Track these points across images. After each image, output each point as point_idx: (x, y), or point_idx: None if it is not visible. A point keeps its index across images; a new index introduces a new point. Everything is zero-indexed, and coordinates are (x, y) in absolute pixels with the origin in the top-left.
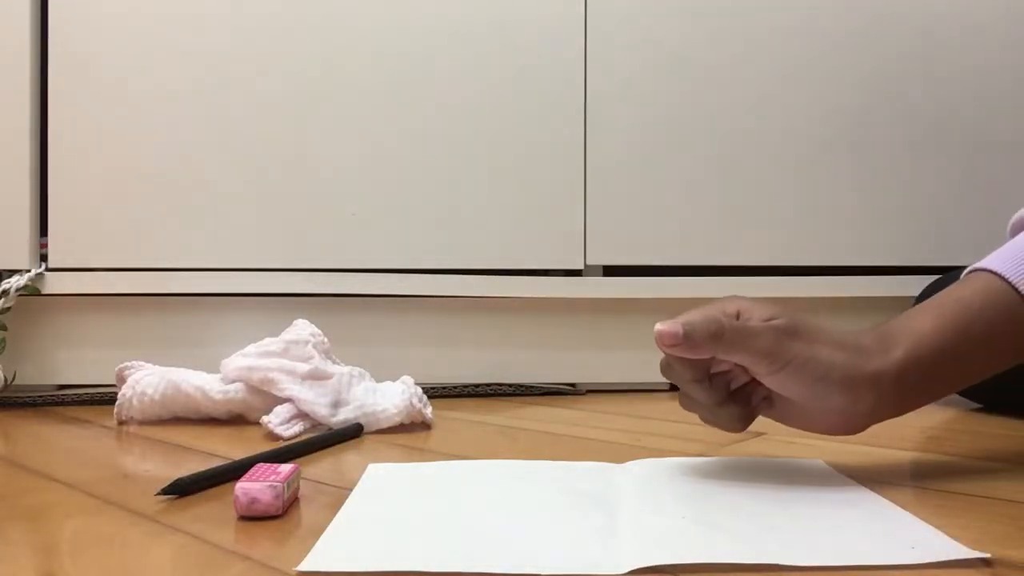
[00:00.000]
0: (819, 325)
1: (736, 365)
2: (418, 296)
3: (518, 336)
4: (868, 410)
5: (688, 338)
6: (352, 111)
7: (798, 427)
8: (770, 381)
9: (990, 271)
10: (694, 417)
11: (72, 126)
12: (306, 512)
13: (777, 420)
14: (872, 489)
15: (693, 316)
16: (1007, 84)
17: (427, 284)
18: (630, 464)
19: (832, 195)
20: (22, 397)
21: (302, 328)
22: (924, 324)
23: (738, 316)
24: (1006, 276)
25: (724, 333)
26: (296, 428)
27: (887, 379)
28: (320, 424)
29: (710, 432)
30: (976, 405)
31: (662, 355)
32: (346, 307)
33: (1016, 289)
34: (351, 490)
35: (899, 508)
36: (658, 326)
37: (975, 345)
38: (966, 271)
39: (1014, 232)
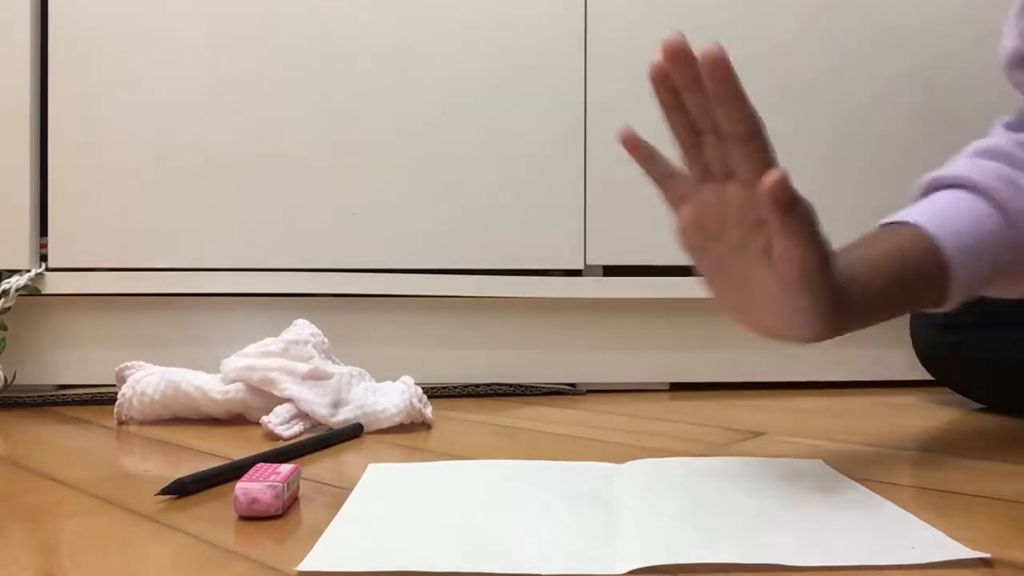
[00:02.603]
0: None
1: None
2: (418, 296)
3: (518, 336)
4: (816, 333)
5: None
6: (352, 111)
7: (749, 320)
8: (786, 256)
9: (924, 230)
10: (694, 417)
11: (72, 126)
12: (306, 512)
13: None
14: (872, 489)
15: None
16: (1003, 85)
17: (427, 284)
18: (630, 464)
19: (832, 195)
20: (22, 397)
21: (302, 328)
22: (877, 282)
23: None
24: (938, 240)
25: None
26: (296, 428)
27: (843, 317)
28: (320, 424)
29: (710, 432)
30: (977, 405)
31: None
32: (346, 307)
33: (944, 254)
34: (351, 490)
35: (899, 508)
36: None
37: (901, 301)
38: (890, 220)
39: (924, 192)
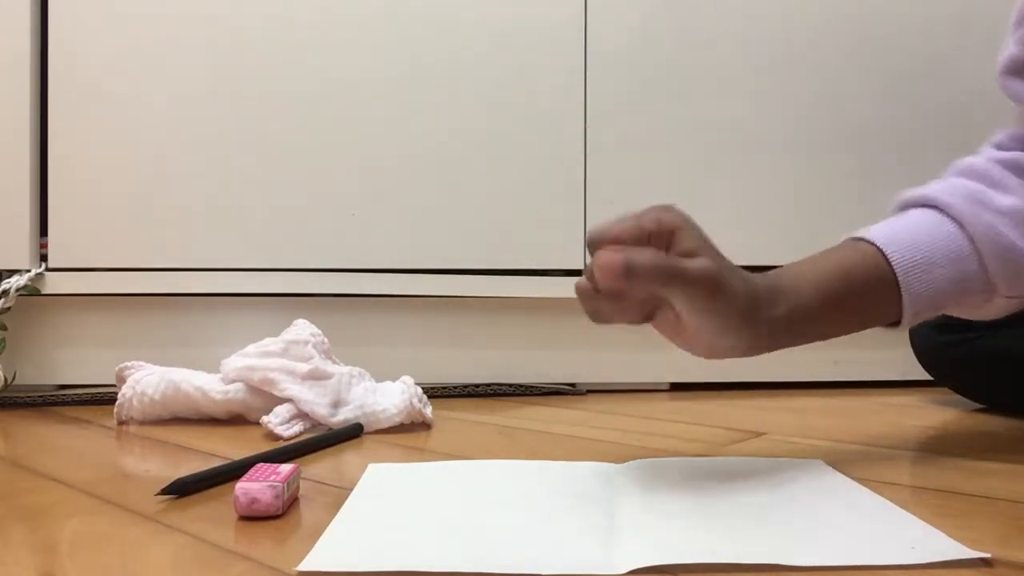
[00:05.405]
0: (730, 267)
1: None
2: (418, 296)
3: (518, 336)
4: (745, 347)
5: (630, 274)
6: (352, 112)
7: (681, 345)
8: (685, 314)
9: (874, 244)
10: (694, 417)
11: (72, 126)
12: (306, 512)
13: (666, 336)
14: (872, 489)
15: (636, 255)
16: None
17: (427, 284)
18: (630, 464)
19: (831, 196)
20: (22, 397)
21: (302, 328)
22: (808, 290)
23: (672, 236)
24: (886, 252)
25: (665, 275)
26: (296, 428)
27: (766, 329)
28: (320, 424)
29: (710, 432)
30: (977, 405)
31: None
32: (346, 307)
33: (891, 266)
34: (351, 490)
35: (899, 508)
36: (602, 258)
37: (840, 317)
38: (849, 237)
39: (897, 211)
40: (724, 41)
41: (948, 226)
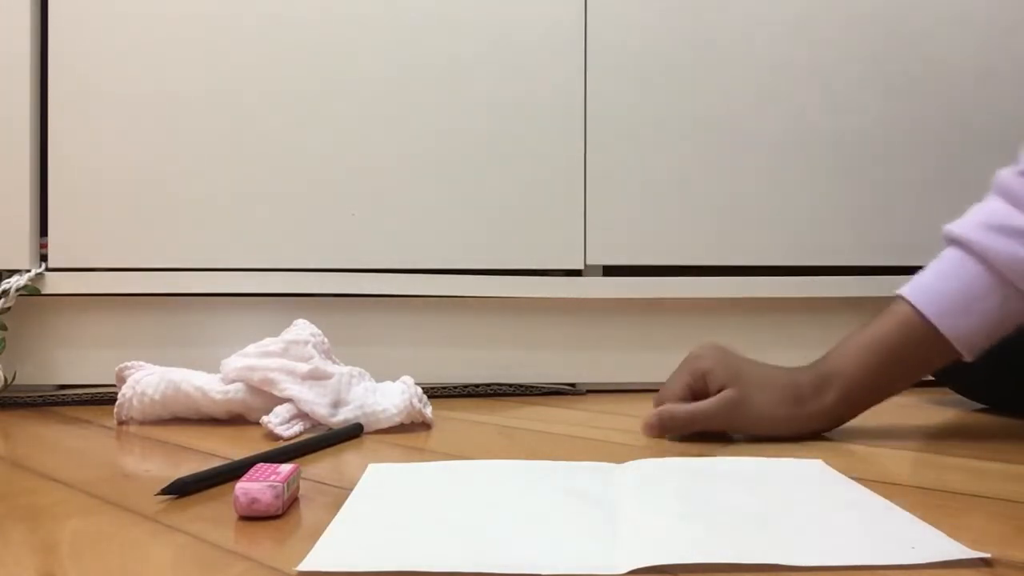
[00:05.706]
0: (763, 380)
1: None
2: (418, 296)
3: (518, 336)
4: (805, 434)
5: (663, 430)
6: (352, 112)
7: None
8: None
9: (909, 303)
10: None
11: (72, 127)
12: (306, 512)
13: None
14: (872, 489)
15: (666, 415)
16: (1005, 86)
17: (427, 284)
18: (630, 464)
19: (831, 196)
20: (22, 397)
21: (302, 328)
22: (853, 369)
23: (705, 380)
24: (922, 311)
25: (688, 424)
26: (296, 428)
27: (820, 416)
28: (320, 424)
29: (710, 433)
30: (978, 405)
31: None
32: (346, 307)
33: (930, 322)
34: (351, 490)
35: (899, 508)
36: (645, 419)
37: (894, 378)
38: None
39: (945, 241)
40: (724, 41)
41: (972, 264)
